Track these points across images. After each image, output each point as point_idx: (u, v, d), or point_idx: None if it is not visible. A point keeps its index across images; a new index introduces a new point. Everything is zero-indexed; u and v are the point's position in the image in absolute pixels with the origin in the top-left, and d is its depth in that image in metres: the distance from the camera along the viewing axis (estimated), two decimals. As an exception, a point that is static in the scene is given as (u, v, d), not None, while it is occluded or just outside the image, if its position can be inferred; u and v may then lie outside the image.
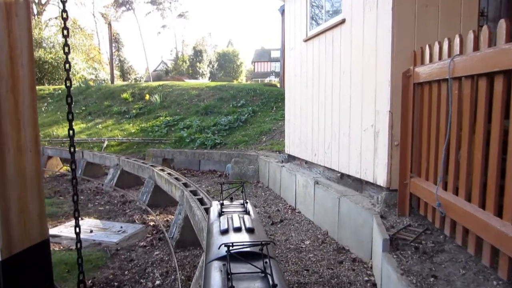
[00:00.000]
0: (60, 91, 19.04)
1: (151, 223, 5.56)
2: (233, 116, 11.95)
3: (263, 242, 1.60)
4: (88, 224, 5.50)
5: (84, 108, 16.17)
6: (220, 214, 2.17)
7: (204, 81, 35.65)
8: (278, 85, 18.92)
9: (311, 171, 5.85)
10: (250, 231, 1.89)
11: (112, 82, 23.37)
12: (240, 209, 2.28)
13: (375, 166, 4.02)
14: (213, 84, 17.71)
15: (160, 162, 9.62)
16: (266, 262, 1.54)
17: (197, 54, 52.36)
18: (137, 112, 14.45)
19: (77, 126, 14.33)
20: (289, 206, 6.00)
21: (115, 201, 6.98)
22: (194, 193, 4.77)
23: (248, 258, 1.54)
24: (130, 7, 48.14)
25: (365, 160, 4.22)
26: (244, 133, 10.72)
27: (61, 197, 7.47)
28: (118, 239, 4.79)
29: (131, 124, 13.55)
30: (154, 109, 14.46)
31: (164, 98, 15.17)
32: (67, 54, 2.33)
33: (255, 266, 1.50)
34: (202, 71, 51.41)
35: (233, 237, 1.82)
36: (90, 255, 4.33)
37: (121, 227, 5.30)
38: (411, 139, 3.44)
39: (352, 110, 4.52)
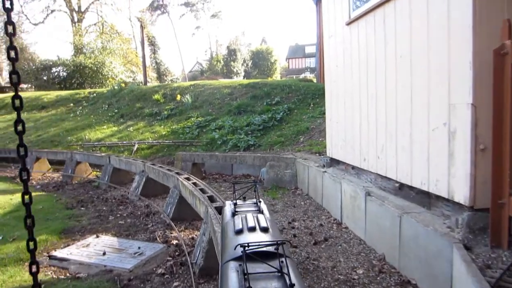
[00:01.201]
0: (95, 94, 18.99)
1: (174, 242, 4.82)
2: (268, 115, 11.11)
3: (278, 242, 1.58)
4: (103, 243, 4.84)
5: (116, 110, 15.90)
6: (234, 214, 2.12)
7: (237, 79, 35.12)
8: (314, 80, 17.87)
9: (360, 179, 4.91)
10: (264, 230, 1.86)
11: (145, 83, 23.16)
12: (254, 208, 2.22)
13: (451, 177, 3.06)
14: (246, 81, 16.91)
15: (189, 166, 8.95)
16: (282, 262, 1.50)
17: (231, 53, 51.86)
18: (168, 114, 13.95)
19: (109, 129, 14.08)
20: (333, 220, 5.09)
21: (138, 213, 6.32)
22: (220, 210, 3.98)
23: (263, 258, 1.52)
24: (164, 10, 48.49)
25: (435, 168, 3.27)
26: (279, 133, 9.86)
27: (82, 208, 6.91)
28: (132, 265, 4.07)
29: (162, 126, 13.05)
30: (186, 109, 13.90)
31: (196, 98, 14.59)
32: (11, 35, 1.61)
33: (271, 266, 1.47)
34: (237, 70, 50.86)
35: (248, 237, 1.79)
36: (98, 287, 3.63)
37: (139, 247, 4.59)
38: (508, 141, 2.48)
39: (414, 103, 3.57)
